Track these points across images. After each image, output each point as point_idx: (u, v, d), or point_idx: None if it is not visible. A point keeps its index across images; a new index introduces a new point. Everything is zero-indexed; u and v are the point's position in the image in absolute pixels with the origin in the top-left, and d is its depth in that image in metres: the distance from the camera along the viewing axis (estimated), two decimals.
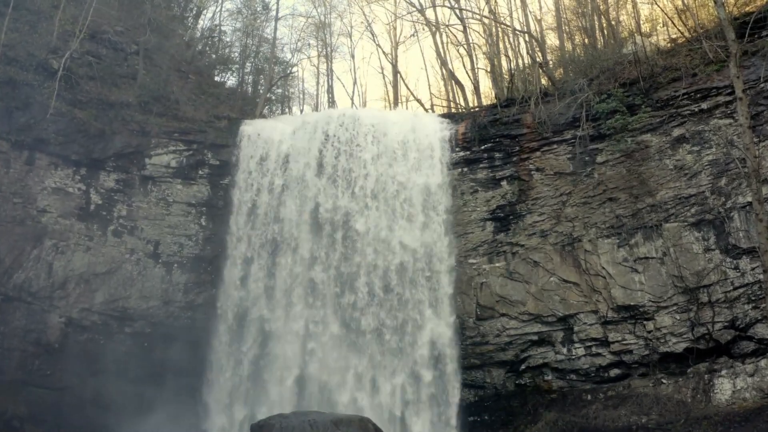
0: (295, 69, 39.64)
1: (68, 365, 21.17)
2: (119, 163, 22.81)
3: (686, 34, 22.73)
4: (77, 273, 21.82)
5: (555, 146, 22.47)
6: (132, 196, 22.85)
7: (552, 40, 32.20)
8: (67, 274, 21.68)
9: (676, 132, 20.93)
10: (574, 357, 21.53)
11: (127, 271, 22.40)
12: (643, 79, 21.46)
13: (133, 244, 22.69)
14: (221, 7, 36.18)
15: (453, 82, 33.78)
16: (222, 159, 23.81)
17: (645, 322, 20.54)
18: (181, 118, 24.01)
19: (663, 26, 25.39)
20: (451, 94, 35.31)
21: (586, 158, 21.85)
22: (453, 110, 32.05)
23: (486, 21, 30.00)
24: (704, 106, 20.58)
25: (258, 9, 36.31)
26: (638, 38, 22.97)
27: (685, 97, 20.73)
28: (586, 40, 28.07)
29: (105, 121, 22.67)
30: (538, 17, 33.70)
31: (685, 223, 20.40)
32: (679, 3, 23.91)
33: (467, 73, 32.44)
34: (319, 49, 40.52)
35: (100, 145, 22.53)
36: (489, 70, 31.30)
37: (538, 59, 26.65)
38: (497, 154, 23.07)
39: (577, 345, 21.50)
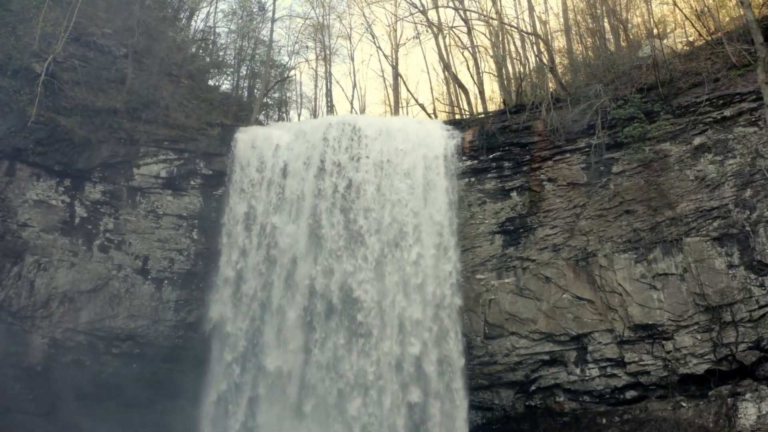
0: (292, 72, 38.82)
1: (52, 389, 20.29)
2: (105, 174, 21.81)
3: (706, 36, 21.67)
4: (61, 291, 20.85)
5: (568, 155, 21.74)
6: (119, 209, 21.85)
7: (561, 42, 31.09)
8: (49, 292, 20.70)
9: (697, 140, 20.25)
10: (587, 378, 20.93)
11: (114, 289, 21.44)
12: (662, 85, 20.80)
13: (121, 260, 21.69)
14: (215, 8, 35.10)
15: (456, 86, 32.73)
16: (215, 168, 22.81)
17: (664, 342, 19.95)
18: (171, 125, 22.97)
19: (680, 28, 24.36)
20: (454, 99, 34.31)
21: (602, 168, 21.14)
22: (456, 115, 31.11)
23: (493, 23, 28.81)
24: (727, 113, 19.89)
25: (254, 10, 35.20)
26: (656, 41, 21.81)
27: (706, 103, 20.00)
28: (597, 43, 26.96)
29: (90, 129, 21.64)
30: (546, 19, 32.80)
31: (708, 238, 19.69)
32: (699, 4, 22.83)
33: (471, 76, 31.50)
34: (318, 52, 39.80)
35: (85, 155, 21.54)
36: (496, 74, 30.18)
37: (546, 63, 25.56)
38: (506, 164, 22.30)
39: (591, 365, 20.90)
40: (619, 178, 20.95)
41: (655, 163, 20.40)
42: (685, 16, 22.59)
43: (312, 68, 41.05)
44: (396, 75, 37.50)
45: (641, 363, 20.08)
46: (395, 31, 38.56)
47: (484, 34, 31.66)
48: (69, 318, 20.86)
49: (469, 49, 30.97)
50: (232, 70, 33.40)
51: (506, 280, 21.75)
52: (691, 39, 23.17)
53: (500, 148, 22.35)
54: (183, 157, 22.66)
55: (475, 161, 22.47)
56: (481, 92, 29.62)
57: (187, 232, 22.38)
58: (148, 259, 21.97)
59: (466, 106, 30.99)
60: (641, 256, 20.36)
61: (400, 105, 37.64)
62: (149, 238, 22.04)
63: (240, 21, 33.55)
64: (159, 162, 22.39)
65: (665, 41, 23.88)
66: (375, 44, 39.65)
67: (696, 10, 22.85)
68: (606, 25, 27.69)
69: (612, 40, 27.24)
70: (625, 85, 21.55)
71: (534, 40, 29.24)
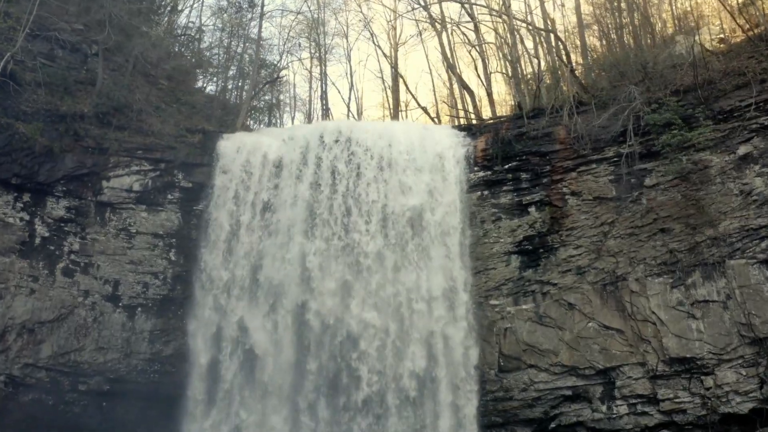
0: (284, 72, 36.98)
1: None
2: (70, 187, 20.25)
3: (747, 31, 19.94)
4: (19, 321, 19.28)
5: (594, 166, 20.24)
6: (86, 227, 20.36)
7: (576, 40, 29.11)
8: (5, 323, 19.12)
9: (742, 150, 18.76)
10: (615, 416, 19.47)
11: (80, 318, 19.97)
12: (700, 86, 19.12)
13: (88, 285, 20.16)
14: (201, 2, 33.07)
15: (461, 87, 30.74)
16: (195, 181, 21.22)
17: (703, 378, 18.51)
18: (146, 132, 21.29)
19: (713, 23, 22.44)
20: (459, 102, 32.39)
21: (633, 181, 19.61)
22: (461, 119, 29.17)
23: (506, 18, 26.79)
24: None
25: (244, 6, 33.20)
26: (691, 37, 19.94)
27: (753, 107, 18.40)
28: (617, 41, 25.02)
29: (54, 137, 19.98)
30: (553, 17, 30.93)
31: (754, 260, 18.19)
32: None
33: (478, 77, 29.69)
34: (312, 51, 38.49)
35: (46, 166, 19.89)
36: (508, 74, 28.18)
37: (566, 62, 23.61)
38: (524, 175, 20.80)
39: (619, 402, 19.49)
40: (652, 192, 19.43)
41: (693, 175, 18.85)
42: (725, 7, 20.63)
43: (306, 69, 39.31)
44: (396, 76, 35.98)
45: (676, 400, 18.63)
46: (395, 29, 37.39)
47: (495, 30, 29.71)
48: (28, 352, 19.37)
49: (477, 48, 28.98)
50: (218, 70, 31.40)
51: (524, 307, 20.25)
52: (726, 35, 21.24)
53: (517, 158, 20.84)
54: (159, 168, 21.14)
55: (489, 172, 20.93)
56: (489, 94, 27.68)
57: (164, 253, 20.83)
58: (119, 284, 20.49)
59: (471, 110, 29.16)
60: (678, 280, 18.88)
61: (400, 108, 35.93)
62: (120, 260, 20.50)
63: (225, 16, 31.58)
64: (132, 173, 20.88)
65: (696, 37, 21.90)
66: (373, 43, 38.59)
67: (738, 3, 20.86)
68: (623, 20, 25.74)
69: (633, 37, 25.25)
70: (658, 87, 19.91)
71: (546, 36, 27.15)
